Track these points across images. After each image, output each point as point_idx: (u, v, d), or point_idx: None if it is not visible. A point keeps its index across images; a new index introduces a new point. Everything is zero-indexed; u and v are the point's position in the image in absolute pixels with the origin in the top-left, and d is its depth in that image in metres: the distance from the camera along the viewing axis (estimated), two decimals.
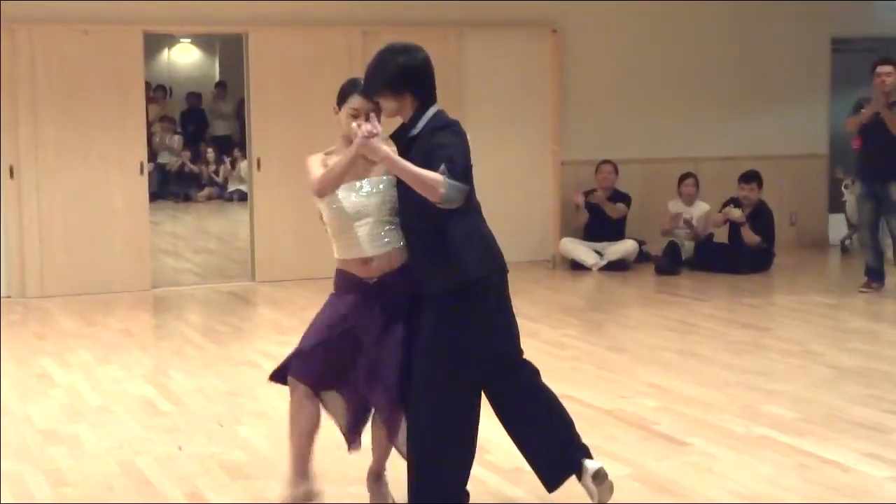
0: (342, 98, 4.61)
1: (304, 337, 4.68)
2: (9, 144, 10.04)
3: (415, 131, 4.48)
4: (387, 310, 4.57)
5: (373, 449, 4.89)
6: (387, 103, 4.49)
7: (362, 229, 4.54)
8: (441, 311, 4.47)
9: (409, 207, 4.48)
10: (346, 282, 4.64)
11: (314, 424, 4.64)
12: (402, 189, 4.45)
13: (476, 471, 5.21)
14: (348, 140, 4.51)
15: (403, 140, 4.51)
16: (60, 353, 7.96)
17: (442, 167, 4.27)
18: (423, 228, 4.47)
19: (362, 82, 4.55)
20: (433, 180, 4.24)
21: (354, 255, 4.57)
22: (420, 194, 4.29)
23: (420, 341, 4.50)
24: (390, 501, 4.91)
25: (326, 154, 4.65)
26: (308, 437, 4.63)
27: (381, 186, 4.54)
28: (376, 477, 4.95)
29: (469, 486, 4.79)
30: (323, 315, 4.67)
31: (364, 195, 4.55)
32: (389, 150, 4.38)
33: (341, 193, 4.53)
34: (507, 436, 4.84)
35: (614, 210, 11.48)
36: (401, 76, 4.45)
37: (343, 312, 4.60)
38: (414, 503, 4.59)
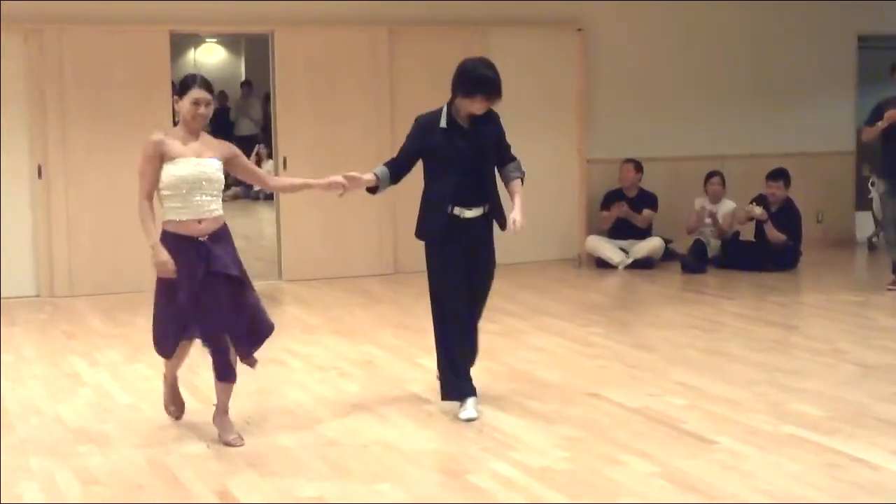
0: (185, 89, 5.69)
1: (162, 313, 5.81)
2: (37, 144, 10.12)
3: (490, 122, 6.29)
4: (220, 255, 5.66)
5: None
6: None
7: (198, 196, 5.62)
8: (491, 233, 6.33)
9: (487, 181, 6.23)
10: (178, 244, 5.61)
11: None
12: (484, 162, 6.20)
13: (503, 468, 5.25)
14: (188, 125, 5.68)
15: (482, 126, 6.18)
16: (89, 351, 8.01)
17: (517, 161, 6.41)
18: (494, 188, 6.26)
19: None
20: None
21: (190, 217, 5.63)
22: (491, 169, 6.27)
23: (491, 254, 6.35)
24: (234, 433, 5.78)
25: (166, 135, 5.70)
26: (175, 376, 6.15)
27: (214, 166, 5.68)
28: (225, 411, 5.87)
29: (495, 483, 4.90)
30: (171, 285, 5.65)
31: (200, 170, 5.61)
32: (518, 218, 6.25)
33: (184, 164, 5.59)
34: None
35: (642, 220, 11.48)
36: None
37: (187, 274, 5.60)
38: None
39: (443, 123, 6.15)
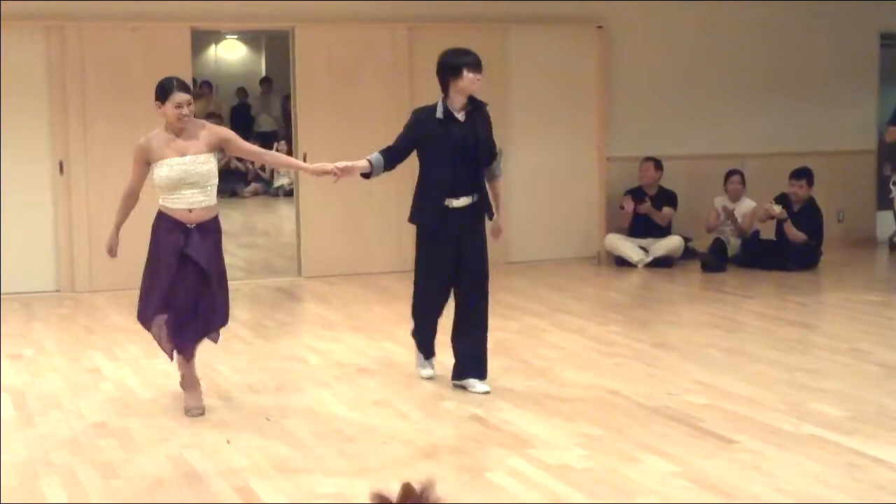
0: (165, 94, 6.05)
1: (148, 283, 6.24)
2: (58, 140, 10.16)
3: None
4: (199, 246, 6.05)
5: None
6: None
7: (187, 190, 6.04)
8: (482, 221, 6.64)
9: (479, 171, 6.59)
10: (169, 224, 6.09)
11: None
12: (477, 153, 6.52)
13: (521, 466, 5.25)
14: (173, 126, 6.06)
15: (476, 117, 6.54)
16: (109, 346, 8.04)
17: (499, 157, 6.72)
18: (484, 183, 6.62)
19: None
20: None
21: (181, 206, 6.06)
22: (483, 160, 6.58)
23: (481, 239, 6.61)
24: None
25: (146, 141, 6.12)
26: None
27: (199, 161, 6.05)
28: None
29: (514, 481, 4.88)
30: (156, 258, 6.15)
31: (182, 168, 6.02)
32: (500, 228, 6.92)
33: (167, 166, 6.02)
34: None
35: (662, 217, 11.44)
36: None
37: (170, 251, 6.06)
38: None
39: (439, 114, 6.49)
